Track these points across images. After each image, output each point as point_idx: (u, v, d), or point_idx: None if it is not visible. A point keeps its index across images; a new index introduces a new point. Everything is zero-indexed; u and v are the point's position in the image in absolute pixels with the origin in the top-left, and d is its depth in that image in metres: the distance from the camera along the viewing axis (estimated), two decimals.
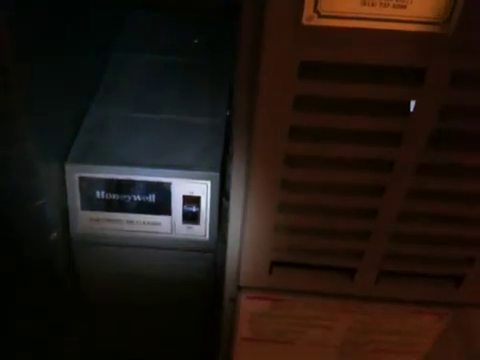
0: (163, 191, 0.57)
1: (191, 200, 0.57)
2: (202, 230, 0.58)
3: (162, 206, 0.58)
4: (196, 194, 0.57)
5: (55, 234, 0.57)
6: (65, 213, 0.58)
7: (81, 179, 0.58)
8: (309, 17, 0.30)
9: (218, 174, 0.55)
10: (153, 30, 0.77)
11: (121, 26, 0.77)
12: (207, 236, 0.58)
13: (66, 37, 0.54)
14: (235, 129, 0.42)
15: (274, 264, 0.49)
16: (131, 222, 0.59)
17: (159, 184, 0.57)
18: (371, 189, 0.42)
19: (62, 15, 0.53)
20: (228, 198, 0.51)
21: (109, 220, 0.60)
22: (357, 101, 0.37)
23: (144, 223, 0.59)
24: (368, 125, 0.38)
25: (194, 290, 0.61)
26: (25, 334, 0.65)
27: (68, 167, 0.57)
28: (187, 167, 0.56)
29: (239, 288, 0.52)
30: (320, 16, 0.30)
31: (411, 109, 0.37)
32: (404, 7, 0.30)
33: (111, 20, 0.73)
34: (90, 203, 0.59)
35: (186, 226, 0.59)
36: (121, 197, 0.58)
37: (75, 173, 0.57)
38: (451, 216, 0.44)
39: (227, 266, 0.51)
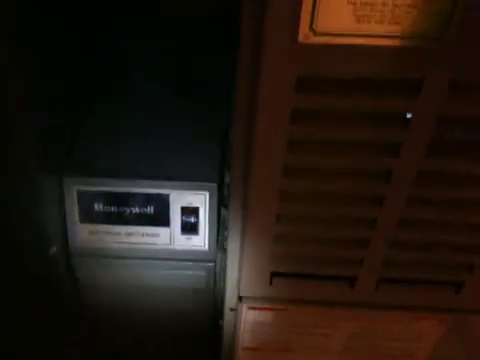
0: (161, 203, 0.57)
1: (190, 211, 0.57)
2: (201, 240, 0.58)
3: (161, 217, 0.58)
4: (194, 205, 0.57)
5: (54, 248, 0.57)
6: (64, 227, 0.58)
7: (79, 192, 0.58)
8: (305, 36, 0.30)
9: (216, 185, 0.55)
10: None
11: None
12: (206, 246, 0.58)
13: None
14: (234, 141, 0.42)
15: (274, 274, 0.49)
16: (130, 234, 0.59)
17: (157, 196, 0.57)
18: (370, 198, 0.43)
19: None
20: (227, 208, 0.51)
21: (108, 232, 0.60)
22: (355, 113, 0.37)
23: (143, 235, 0.59)
24: (366, 135, 0.39)
25: (194, 300, 0.61)
26: (24, 346, 0.65)
27: (66, 180, 0.57)
28: (185, 178, 0.56)
29: (240, 298, 0.52)
30: (316, 34, 0.31)
31: (409, 118, 0.38)
32: (399, 23, 0.30)
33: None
34: (89, 216, 0.59)
35: (185, 237, 0.59)
36: (120, 209, 0.58)
37: (73, 186, 0.57)
38: (450, 223, 0.44)
39: (227, 276, 0.51)
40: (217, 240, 0.58)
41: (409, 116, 0.36)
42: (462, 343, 0.55)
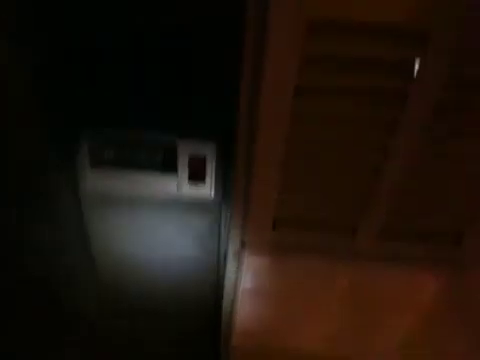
0: (170, 151, 0.58)
1: (197, 160, 0.58)
2: (207, 189, 0.60)
3: (168, 166, 0.59)
4: (202, 154, 0.58)
5: None
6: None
7: (91, 140, 0.59)
8: None
9: (223, 134, 0.56)
10: None
11: None
12: (212, 195, 0.59)
13: None
14: (242, 86, 0.42)
15: (277, 221, 0.50)
16: (138, 181, 0.61)
17: (166, 144, 0.58)
18: (375, 145, 0.43)
19: None
20: (234, 157, 0.52)
21: (117, 179, 0.61)
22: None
23: (151, 182, 0.61)
24: (374, 85, 0.39)
25: (199, 246, 0.63)
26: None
27: (79, 129, 0.58)
28: (193, 128, 0.57)
29: (243, 244, 0.53)
30: None
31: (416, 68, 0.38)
32: None
33: None
34: (99, 163, 0.60)
35: (192, 185, 0.60)
36: (129, 157, 0.60)
37: (85, 134, 0.58)
38: (453, 174, 0.45)
39: (232, 222, 0.52)
40: (223, 189, 0.59)
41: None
42: (460, 297, 0.56)
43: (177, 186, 0.60)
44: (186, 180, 0.59)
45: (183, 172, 0.59)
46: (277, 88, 0.40)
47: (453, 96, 0.39)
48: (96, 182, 0.61)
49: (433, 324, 0.59)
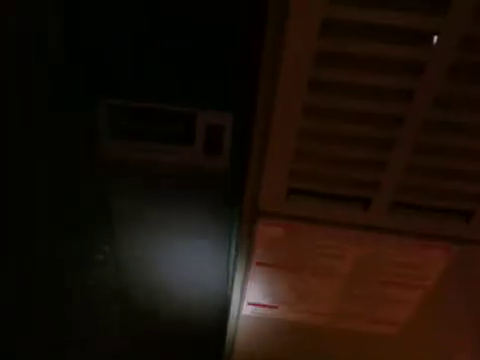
0: (187, 121, 0.59)
1: (214, 130, 0.59)
2: (224, 160, 0.61)
3: (186, 136, 0.60)
4: (220, 124, 0.59)
5: None
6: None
7: (109, 108, 0.60)
8: None
9: (242, 105, 0.57)
10: None
11: None
12: (228, 166, 0.60)
13: None
14: (263, 56, 0.43)
15: (291, 191, 0.51)
16: (155, 151, 0.62)
17: (183, 114, 0.59)
18: (391, 119, 0.44)
19: None
20: (251, 128, 0.53)
21: (134, 149, 0.62)
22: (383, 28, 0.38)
23: (168, 152, 0.62)
24: (392, 53, 0.40)
25: (214, 217, 0.64)
26: None
27: (97, 96, 0.59)
28: (212, 97, 0.58)
29: (257, 213, 0.54)
30: None
31: (434, 39, 0.38)
32: None
33: None
34: (117, 132, 0.61)
35: (208, 156, 0.61)
36: (147, 126, 0.61)
37: (105, 102, 0.59)
38: (467, 151, 0.45)
39: (247, 191, 0.53)
40: (239, 160, 0.60)
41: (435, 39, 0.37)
42: (467, 274, 0.57)
43: (194, 156, 0.61)
44: (203, 150, 0.60)
45: (200, 142, 0.60)
46: (297, 56, 0.41)
47: (469, 65, 0.40)
48: (114, 152, 0.62)
49: (441, 300, 0.60)
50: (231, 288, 0.64)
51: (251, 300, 0.65)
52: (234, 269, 0.62)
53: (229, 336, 0.73)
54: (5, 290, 0.80)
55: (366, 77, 0.41)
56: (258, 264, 0.59)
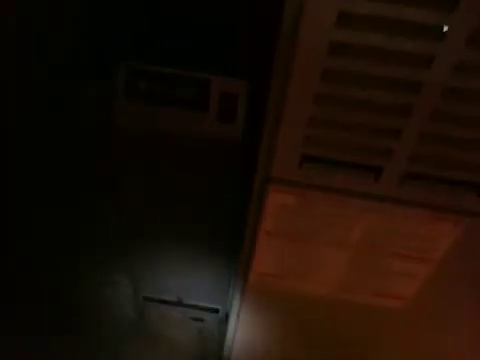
0: (202, 87, 0.59)
1: (229, 98, 0.60)
2: (238, 128, 0.61)
3: (200, 102, 0.60)
4: (234, 92, 0.59)
5: None
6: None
7: (127, 73, 0.60)
8: None
9: (257, 72, 0.57)
10: None
11: None
12: (242, 133, 0.61)
13: None
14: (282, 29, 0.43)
15: (304, 158, 0.52)
16: (168, 118, 0.62)
17: (198, 80, 0.59)
18: (407, 86, 0.44)
19: None
20: (266, 95, 0.53)
21: (148, 115, 0.62)
22: None
23: (181, 118, 0.62)
24: (412, 16, 0.40)
25: (224, 185, 0.65)
26: None
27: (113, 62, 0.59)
28: (227, 64, 0.58)
29: (268, 180, 0.55)
30: None
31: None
32: None
33: None
34: (133, 96, 0.61)
35: (222, 124, 0.61)
36: (160, 92, 0.61)
37: (122, 66, 0.60)
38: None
39: (260, 158, 0.54)
40: (253, 128, 0.60)
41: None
42: (475, 250, 0.57)
43: (208, 123, 0.61)
44: (217, 117, 0.61)
45: (214, 109, 0.60)
46: (318, 20, 0.41)
47: None
48: (129, 118, 0.63)
49: (448, 274, 0.60)
50: (240, 256, 0.65)
51: (258, 269, 0.65)
52: (244, 237, 0.62)
53: (235, 306, 0.73)
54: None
55: (384, 41, 0.41)
56: (267, 233, 0.60)
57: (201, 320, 0.90)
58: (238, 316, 0.75)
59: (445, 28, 0.39)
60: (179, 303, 0.87)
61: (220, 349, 0.90)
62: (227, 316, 0.81)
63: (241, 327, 0.77)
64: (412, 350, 0.77)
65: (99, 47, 0.61)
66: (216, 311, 0.87)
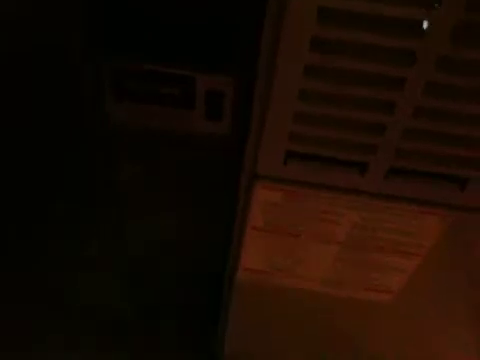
0: (187, 85, 0.59)
1: (215, 95, 0.59)
2: (224, 125, 0.61)
3: (185, 100, 0.60)
4: (220, 89, 0.59)
5: None
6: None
7: (111, 71, 0.60)
8: None
9: (243, 69, 0.57)
10: None
11: None
12: (229, 132, 0.61)
13: None
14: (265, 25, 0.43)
15: (289, 155, 0.52)
16: (153, 115, 0.62)
17: (183, 77, 0.59)
18: (391, 81, 0.44)
19: None
20: (252, 92, 0.53)
21: (132, 113, 0.62)
22: None
23: (166, 117, 0.62)
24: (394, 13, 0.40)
25: (212, 183, 0.65)
26: None
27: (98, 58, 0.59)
28: (212, 61, 0.58)
29: (255, 177, 0.55)
30: None
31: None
32: None
33: None
34: (118, 95, 0.61)
35: (209, 122, 0.61)
36: (144, 90, 0.61)
37: (107, 66, 0.59)
38: (466, 116, 0.46)
39: (246, 155, 0.54)
40: (239, 125, 0.60)
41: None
42: (462, 243, 0.58)
43: (195, 121, 0.61)
44: (203, 115, 0.60)
45: (200, 107, 0.60)
46: (300, 14, 0.41)
47: (473, 27, 0.40)
48: (114, 116, 0.62)
49: (435, 268, 0.61)
50: (227, 253, 0.65)
51: (246, 265, 0.65)
52: (231, 234, 0.62)
53: (224, 301, 0.74)
54: None
55: (369, 37, 0.41)
56: (254, 229, 0.60)
57: None
58: (227, 313, 0.75)
59: (425, 24, 0.39)
60: None
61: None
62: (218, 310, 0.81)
63: (231, 323, 0.78)
64: (401, 343, 0.77)
65: (83, 45, 0.60)
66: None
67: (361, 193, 0.54)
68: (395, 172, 0.51)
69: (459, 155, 0.49)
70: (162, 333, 0.95)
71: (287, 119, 0.48)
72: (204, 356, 0.95)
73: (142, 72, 0.60)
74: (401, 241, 0.58)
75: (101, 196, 0.72)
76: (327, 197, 0.55)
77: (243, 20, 0.58)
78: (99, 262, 0.82)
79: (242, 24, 0.58)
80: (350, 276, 0.64)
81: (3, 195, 0.73)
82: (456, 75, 0.43)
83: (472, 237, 0.58)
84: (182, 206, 0.69)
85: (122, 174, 0.67)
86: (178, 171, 0.65)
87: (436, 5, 0.38)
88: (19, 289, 0.87)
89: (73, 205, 0.74)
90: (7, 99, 0.64)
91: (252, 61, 0.56)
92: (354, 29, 0.41)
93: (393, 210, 0.55)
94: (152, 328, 0.94)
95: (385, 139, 0.48)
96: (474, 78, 0.43)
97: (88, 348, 0.93)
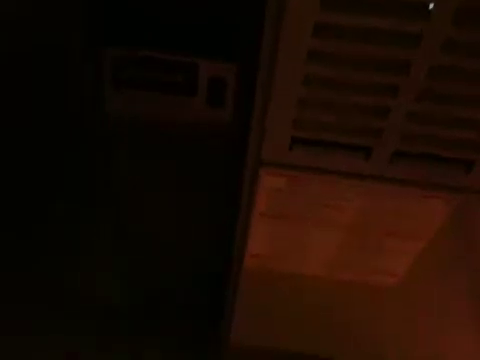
0: (190, 72, 0.59)
1: (217, 82, 0.59)
2: (227, 112, 0.61)
3: (188, 87, 0.60)
4: (222, 76, 0.59)
5: None
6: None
7: (114, 59, 0.60)
8: None
9: (246, 56, 0.57)
10: None
11: None
12: (231, 118, 0.61)
13: None
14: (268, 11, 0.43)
15: (294, 140, 0.52)
16: (157, 101, 0.62)
17: (186, 64, 0.59)
18: (395, 65, 0.44)
19: None
20: (255, 79, 0.53)
21: (136, 100, 0.62)
22: None
23: (170, 104, 0.62)
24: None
25: (217, 168, 0.65)
26: None
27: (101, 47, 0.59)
28: (215, 48, 0.58)
29: (260, 164, 0.55)
30: None
31: None
32: None
33: None
34: (121, 83, 0.61)
35: (211, 108, 0.61)
36: (148, 77, 0.61)
37: (109, 54, 0.59)
38: (470, 99, 0.46)
39: (250, 141, 0.54)
40: (242, 111, 0.60)
41: None
42: (465, 226, 0.58)
43: (197, 108, 0.61)
44: (206, 102, 0.60)
45: (203, 94, 0.60)
46: (302, 2, 0.41)
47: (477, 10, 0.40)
48: (117, 103, 0.62)
49: (440, 251, 0.61)
50: (233, 239, 0.66)
51: (253, 251, 0.66)
52: (237, 220, 0.63)
53: (229, 292, 0.74)
54: None
55: (372, 21, 0.41)
56: (260, 215, 0.60)
57: None
58: (234, 299, 0.76)
59: (431, 6, 0.39)
60: None
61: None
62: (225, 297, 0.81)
63: (238, 310, 0.78)
64: (406, 328, 0.78)
65: (84, 32, 0.60)
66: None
67: (365, 177, 0.54)
68: (399, 156, 0.51)
69: (464, 138, 0.49)
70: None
71: (291, 105, 0.48)
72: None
73: (144, 59, 0.59)
74: (407, 224, 0.59)
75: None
76: (332, 182, 0.55)
77: (246, 7, 0.58)
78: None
79: (245, 11, 0.57)
80: (355, 260, 0.64)
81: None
82: (460, 57, 0.43)
83: (475, 221, 0.58)
84: (184, 194, 0.69)
85: (123, 166, 0.67)
86: (180, 159, 0.66)
87: None
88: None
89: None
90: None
91: (255, 47, 0.56)
92: (357, 13, 0.41)
93: (398, 194, 0.55)
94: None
95: (389, 123, 0.48)
96: (477, 60, 0.43)
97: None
